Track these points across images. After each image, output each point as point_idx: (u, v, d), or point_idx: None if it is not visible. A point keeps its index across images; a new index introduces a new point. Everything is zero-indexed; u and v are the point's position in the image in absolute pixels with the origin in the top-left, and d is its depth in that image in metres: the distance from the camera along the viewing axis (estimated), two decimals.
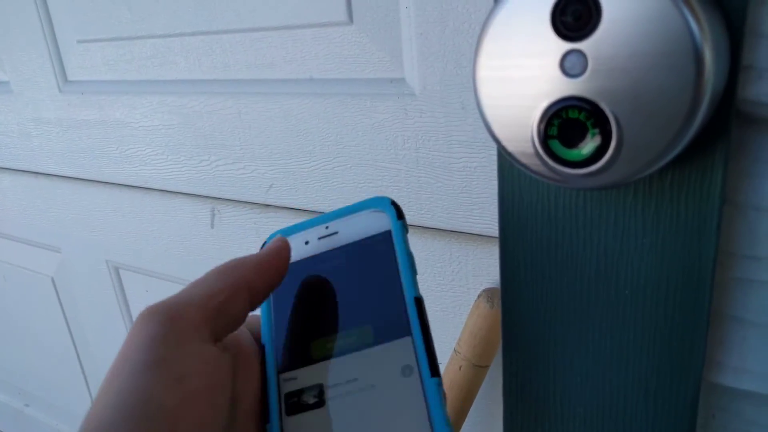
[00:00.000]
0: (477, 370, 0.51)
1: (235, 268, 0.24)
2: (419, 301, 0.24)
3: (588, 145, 0.22)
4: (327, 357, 0.25)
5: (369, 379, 0.24)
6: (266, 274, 0.25)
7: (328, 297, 0.26)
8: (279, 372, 0.25)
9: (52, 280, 0.92)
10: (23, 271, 0.96)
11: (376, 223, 0.27)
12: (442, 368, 0.54)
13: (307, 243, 0.28)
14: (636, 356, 0.27)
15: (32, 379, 1.09)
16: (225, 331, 0.23)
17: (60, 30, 0.72)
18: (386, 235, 0.26)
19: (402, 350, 0.24)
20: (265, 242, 0.28)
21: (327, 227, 0.28)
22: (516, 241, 0.29)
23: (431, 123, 0.50)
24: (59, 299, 0.93)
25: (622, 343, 0.27)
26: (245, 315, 0.24)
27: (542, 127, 0.23)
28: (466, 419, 0.53)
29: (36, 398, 1.11)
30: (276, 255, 0.26)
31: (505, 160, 0.27)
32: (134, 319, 0.79)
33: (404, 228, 0.27)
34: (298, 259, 0.27)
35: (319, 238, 0.28)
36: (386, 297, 0.25)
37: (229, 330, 0.24)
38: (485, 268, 0.53)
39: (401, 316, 0.24)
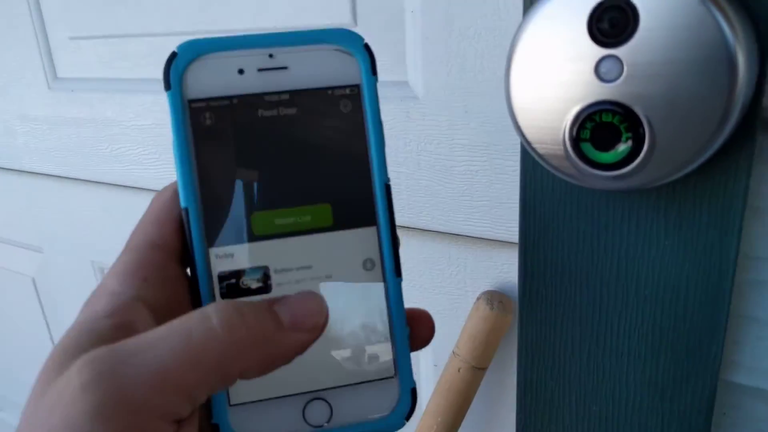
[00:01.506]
0: (476, 372, 0.52)
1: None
2: (388, 188, 0.21)
3: (621, 149, 0.23)
4: (273, 236, 0.21)
5: (324, 269, 0.21)
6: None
7: (276, 158, 0.21)
8: (209, 246, 0.21)
9: (33, 281, 0.90)
10: (2, 271, 0.94)
11: (341, 68, 0.21)
12: (440, 370, 0.54)
13: (241, 72, 0.21)
14: (653, 356, 0.28)
15: (8, 382, 1.06)
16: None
17: (51, 26, 0.70)
18: (354, 91, 0.21)
19: (365, 241, 0.21)
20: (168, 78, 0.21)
21: (271, 56, 0.21)
22: (537, 243, 0.29)
23: (433, 126, 0.51)
24: (39, 300, 0.91)
25: (640, 344, 0.28)
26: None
27: (575, 129, 0.23)
28: (463, 421, 0.54)
29: (11, 403, 1.08)
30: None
31: (529, 162, 0.28)
32: None
33: (376, 86, 0.21)
34: (231, 94, 0.21)
35: (260, 70, 0.21)
36: (350, 174, 0.21)
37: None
38: (484, 271, 0.53)
39: (367, 202, 0.21)
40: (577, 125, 0.23)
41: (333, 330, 0.21)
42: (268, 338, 0.18)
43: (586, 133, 0.23)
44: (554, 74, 0.23)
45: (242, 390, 0.21)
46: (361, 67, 0.21)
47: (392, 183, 0.21)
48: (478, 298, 0.52)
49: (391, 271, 0.21)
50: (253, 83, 0.21)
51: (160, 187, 0.72)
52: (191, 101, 0.21)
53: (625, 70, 0.22)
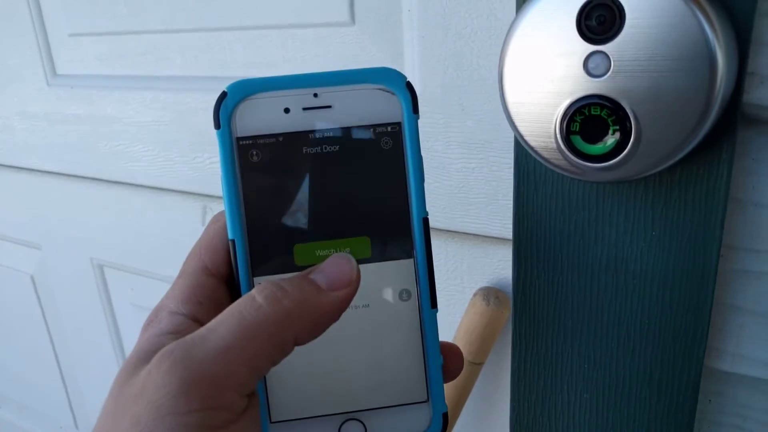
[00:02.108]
0: (473, 367, 0.53)
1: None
2: (426, 222, 0.22)
3: (609, 141, 0.23)
4: (314, 266, 0.21)
5: (363, 298, 0.22)
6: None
7: (319, 192, 0.22)
8: (253, 275, 0.22)
9: (32, 278, 0.90)
10: (0, 268, 0.94)
11: (384, 106, 0.22)
12: None
13: (287, 111, 0.22)
14: (642, 344, 0.29)
15: (6, 380, 1.06)
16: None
17: (50, 22, 0.71)
18: (396, 128, 0.22)
19: (402, 272, 0.22)
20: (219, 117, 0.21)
21: (316, 95, 0.22)
22: (529, 235, 0.30)
23: (431, 124, 0.52)
24: (38, 297, 0.91)
25: (629, 332, 0.29)
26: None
27: (565, 123, 0.24)
28: (461, 415, 0.54)
29: (9, 400, 1.09)
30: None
31: (522, 156, 0.29)
32: (117, 317, 0.77)
33: (417, 124, 0.22)
34: (277, 132, 0.22)
35: (305, 109, 0.22)
36: (390, 208, 0.22)
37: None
38: (480, 268, 0.54)
39: (405, 235, 0.22)
40: (567, 119, 0.24)
41: (370, 354, 0.22)
42: (310, 303, 0.20)
43: (576, 126, 0.24)
44: (545, 69, 0.24)
45: (282, 408, 0.22)
46: (402, 106, 0.22)
47: None
48: (474, 294, 0.53)
49: (427, 303, 0.22)
50: (298, 122, 0.22)
51: (158, 183, 0.73)
52: (239, 138, 0.22)
53: (613, 65, 0.23)
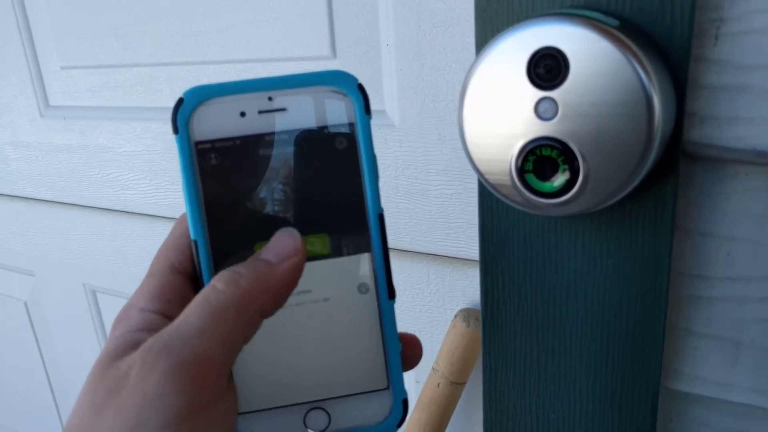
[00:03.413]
0: (454, 387, 0.54)
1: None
2: (382, 218, 0.23)
3: (559, 179, 0.25)
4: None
5: (323, 292, 0.23)
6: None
7: (276, 192, 0.23)
8: (216, 273, 0.22)
9: (25, 305, 0.91)
10: None
11: (337, 108, 0.22)
12: (420, 386, 0.56)
13: (243, 115, 0.22)
14: (602, 366, 0.30)
15: (0, 407, 1.06)
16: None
17: (43, 55, 0.73)
18: (349, 129, 0.23)
19: (360, 267, 0.23)
20: (177, 114, 0.22)
21: (271, 98, 0.22)
22: (495, 263, 0.32)
23: (410, 152, 0.54)
24: (32, 324, 0.92)
25: (591, 355, 0.30)
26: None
27: (519, 162, 0.26)
28: None
29: (2, 426, 1.09)
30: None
31: (486, 190, 0.30)
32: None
33: (369, 124, 0.23)
34: (234, 135, 0.22)
35: (260, 112, 0.22)
36: (346, 205, 0.23)
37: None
38: (461, 290, 0.56)
39: (362, 231, 0.23)
40: (521, 158, 0.26)
41: (332, 346, 0.24)
42: (265, 277, 0.21)
43: (530, 165, 0.26)
44: (500, 113, 0.26)
45: (249, 400, 0.23)
46: (355, 107, 0.23)
47: None
48: (455, 316, 0.55)
49: (385, 294, 0.24)
50: (254, 125, 0.22)
51: (149, 210, 0.74)
52: (198, 143, 0.23)
53: (560, 110, 0.25)
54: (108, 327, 0.85)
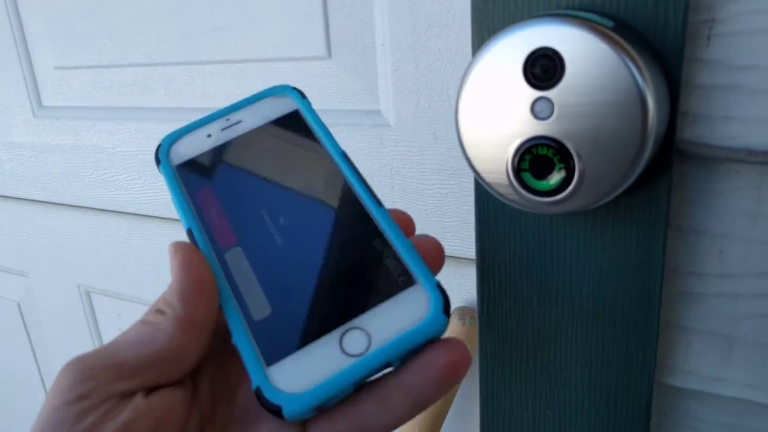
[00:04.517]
0: None
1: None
2: (345, 155, 0.25)
3: (555, 178, 0.26)
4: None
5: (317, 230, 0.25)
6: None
7: (257, 176, 0.26)
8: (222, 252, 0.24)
9: (18, 306, 0.91)
10: None
11: (281, 105, 0.27)
12: None
13: (209, 136, 0.27)
14: (597, 362, 0.31)
15: None
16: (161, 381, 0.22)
17: (36, 56, 0.73)
18: (295, 113, 0.27)
19: (343, 198, 0.25)
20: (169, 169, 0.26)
21: (228, 119, 0.27)
22: (491, 261, 0.32)
23: (405, 152, 0.54)
24: (25, 325, 0.92)
25: (586, 351, 0.31)
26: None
27: (516, 161, 0.26)
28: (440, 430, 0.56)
29: None
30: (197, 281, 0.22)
31: (482, 189, 0.31)
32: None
33: (311, 106, 0.27)
34: (204, 150, 0.27)
35: (223, 129, 0.27)
36: (313, 159, 0.26)
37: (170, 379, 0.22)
38: (456, 288, 0.56)
39: (334, 171, 0.25)
40: (517, 157, 0.26)
41: (341, 264, 0.23)
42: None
43: (526, 164, 0.26)
44: (496, 113, 0.26)
45: (275, 348, 0.22)
46: (294, 99, 0.28)
47: None
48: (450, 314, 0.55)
49: (373, 204, 0.24)
50: (219, 138, 0.27)
51: (144, 211, 0.74)
52: (177, 166, 0.27)
53: (556, 110, 0.25)
54: (102, 327, 0.84)
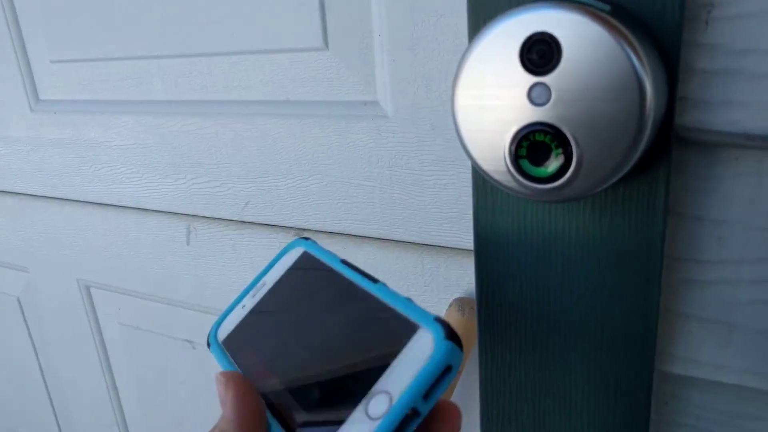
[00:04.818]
0: None
1: None
2: (345, 261, 0.29)
3: (553, 164, 0.25)
4: None
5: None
6: None
7: (289, 342, 0.28)
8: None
9: (18, 300, 0.91)
10: None
11: (294, 256, 0.32)
12: None
13: (243, 307, 0.32)
14: (597, 351, 0.31)
15: None
16: None
17: (32, 49, 0.72)
18: (304, 255, 0.31)
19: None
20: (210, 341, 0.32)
21: (258, 287, 0.32)
22: (489, 251, 0.32)
23: (403, 143, 0.54)
24: (25, 320, 0.92)
25: (586, 340, 0.31)
26: None
27: (513, 148, 0.26)
28: None
29: None
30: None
31: (479, 178, 0.30)
32: (105, 337, 0.82)
33: (315, 243, 0.32)
34: (241, 318, 0.32)
35: (253, 296, 0.32)
36: (322, 279, 0.29)
37: None
38: (456, 279, 0.56)
39: (337, 279, 0.28)
40: (515, 144, 0.26)
41: (348, 344, 0.25)
42: None
43: (523, 151, 0.26)
44: (493, 99, 0.26)
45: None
46: (302, 246, 0.33)
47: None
48: (450, 305, 0.55)
49: (368, 283, 0.26)
50: (251, 303, 0.32)
51: (143, 204, 0.74)
52: (222, 342, 0.32)
53: (553, 95, 0.25)
54: (102, 322, 0.84)
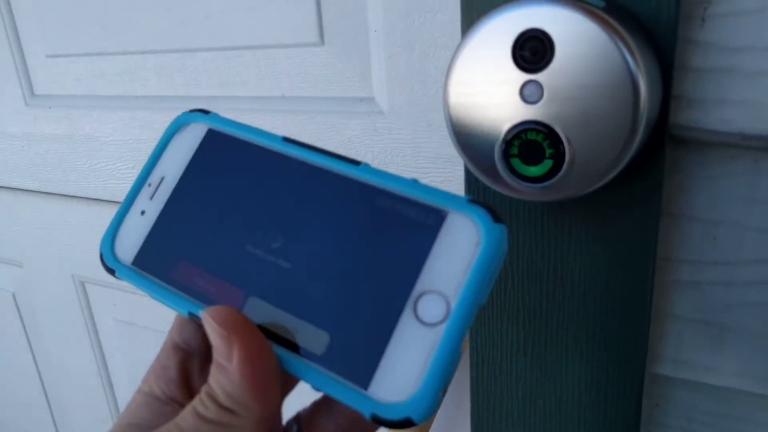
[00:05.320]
0: None
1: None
2: (288, 139, 0.23)
3: (545, 163, 0.25)
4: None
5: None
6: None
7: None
8: None
9: (13, 296, 0.91)
10: None
11: (192, 137, 0.25)
12: None
13: (143, 213, 0.25)
14: (589, 352, 0.30)
15: None
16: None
17: (27, 44, 0.72)
18: (210, 135, 0.25)
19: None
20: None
21: (150, 185, 0.25)
22: None
23: (399, 139, 0.53)
24: (20, 315, 0.91)
25: (577, 340, 0.30)
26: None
27: (505, 147, 0.26)
28: (434, 421, 0.56)
29: None
30: None
31: (472, 177, 0.30)
32: (99, 333, 0.82)
33: (218, 116, 0.25)
34: (149, 229, 0.24)
35: (152, 198, 0.25)
36: (261, 166, 0.23)
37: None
38: None
39: (291, 164, 0.23)
40: (506, 143, 0.26)
41: (362, 246, 0.20)
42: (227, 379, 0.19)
43: (515, 150, 0.25)
44: (485, 97, 0.26)
45: (358, 366, 0.19)
46: (199, 121, 0.26)
47: None
48: None
49: (349, 167, 0.22)
50: (154, 209, 0.25)
51: None
52: (133, 263, 0.25)
53: (546, 93, 0.24)
54: (97, 317, 0.84)
